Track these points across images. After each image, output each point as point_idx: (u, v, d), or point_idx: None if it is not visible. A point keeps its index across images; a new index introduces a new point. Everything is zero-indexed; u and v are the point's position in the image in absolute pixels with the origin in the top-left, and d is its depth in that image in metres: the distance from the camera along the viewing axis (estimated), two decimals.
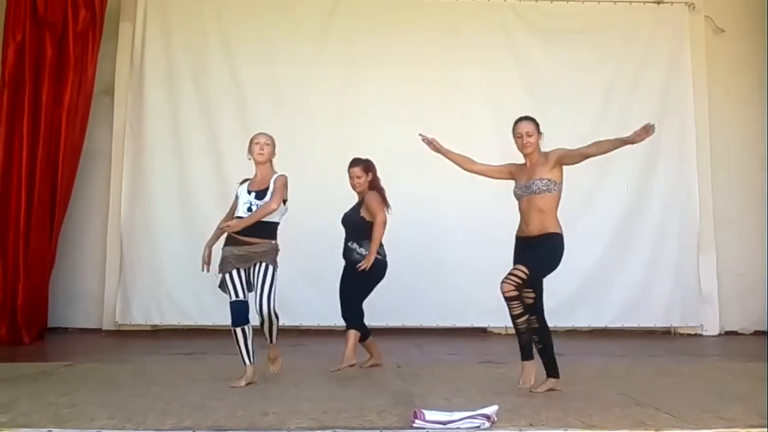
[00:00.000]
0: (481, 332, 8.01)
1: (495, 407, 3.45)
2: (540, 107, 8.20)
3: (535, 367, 4.42)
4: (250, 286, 4.72)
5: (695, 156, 8.39)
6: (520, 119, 4.61)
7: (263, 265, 4.65)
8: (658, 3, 8.59)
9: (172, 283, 8.03)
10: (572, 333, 8.08)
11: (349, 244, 5.32)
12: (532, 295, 4.39)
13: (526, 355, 4.44)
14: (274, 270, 4.68)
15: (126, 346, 7.23)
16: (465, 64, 8.31)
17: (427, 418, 3.32)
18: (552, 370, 4.41)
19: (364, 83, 8.29)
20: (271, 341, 4.86)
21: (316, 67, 8.26)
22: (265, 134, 4.98)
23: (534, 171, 4.49)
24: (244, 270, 4.73)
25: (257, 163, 4.91)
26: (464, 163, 4.83)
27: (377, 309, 7.54)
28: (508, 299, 4.27)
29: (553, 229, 4.43)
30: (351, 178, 5.38)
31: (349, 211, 5.43)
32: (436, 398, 4.05)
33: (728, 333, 8.28)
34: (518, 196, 4.54)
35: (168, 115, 8.28)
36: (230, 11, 8.46)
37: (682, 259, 8.28)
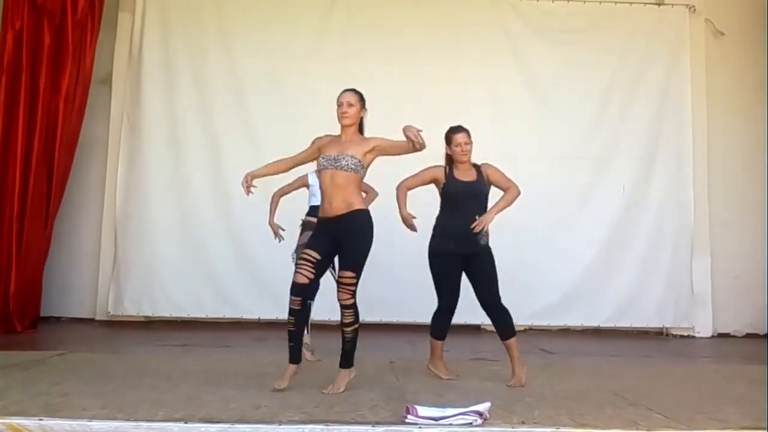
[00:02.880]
0: (475, 329, 7.99)
1: (488, 404, 3.45)
2: (539, 105, 8.31)
3: None
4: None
5: (692, 158, 8.41)
6: (343, 91, 4.39)
7: None
8: (659, 4, 8.59)
9: (165, 274, 8.03)
10: (565, 332, 8.11)
11: (478, 217, 4.60)
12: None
13: (350, 362, 4.32)
14: None
15: (119, 336, 7.21)
16: (465, 61, 8.30)
17: (420, 413, 3.31)
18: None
19: (363, 78, 8.22)
20: None
21: (315, 60, 8.24)
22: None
23: (348, 146, 4.25)
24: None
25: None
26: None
27: (371, 304, 7.57)
28: (346, 307, 4.16)
29: (358, 206, 4.21)
30: (460, 144, 4.78)
31: (469, 182, 4.74)
32: (429, 394, 4.05)
33: (721, 335, 8.30)
34: (322, 168, 4.24)
35: (165, 106, 8.26)
36: (230, 4, 8.44)
37: (676, 261, 8.30)
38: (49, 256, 7.53)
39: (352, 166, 4.18)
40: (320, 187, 4.34)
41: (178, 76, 8.29)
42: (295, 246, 5.59)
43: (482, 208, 4.64)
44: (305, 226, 5.56)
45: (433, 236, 4.77)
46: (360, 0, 8.43)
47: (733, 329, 8.36)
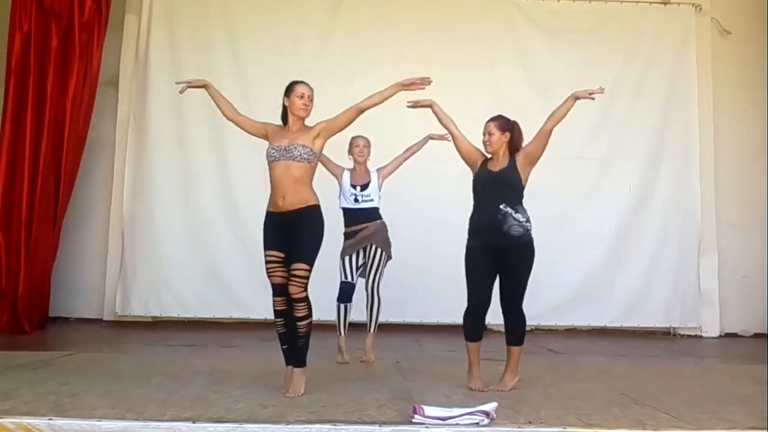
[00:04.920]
0: None
1: (494, 404, 3.46)
2: (543, 105, 8.21)
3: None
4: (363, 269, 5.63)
5: (698, 157, 8.39)
6: (301, 82, 4.36)
7: (375, 248, 5.55)
8: (665, 4, 8.57)
9: (172, 275, 8.06)
10: (572, 332, 8.11)
11: (502, 207, 4.36)
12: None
13: (302, 360, 4.12)
14: (384, 254, 5.58)
15: (126, 337, 7.24)
16: (469, 60, 8.29)
17: (427, 413, 3.32)
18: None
19: (369, 77, 8.23)
20: (369, 328, 5.57)
21: (321, 60, 8.25)
22: (363, 137, 5.70)
23: (296, 136, 4.20)
24: (356, 253, 5.59)
25: (357, 164, 5.70)
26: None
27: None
28: (298, 300, 4.05)
29: (313, 201, 4.17)
30: (483, 134, 4.65)
31: (496, 171, 4.53)
32: (436, 394, 4.06)
33: (728, 335, 8.28)
34: (273, 160, 4.16)
35: (172, 108, 8.25)
36: (236, 4, 8.46)
37: (683, 260, 8.28)
38: (57, 257, 7.57)
39: (306, 156, 4.13)
40: (271, 180, 4.20)
41: (184, 78, 8.24)
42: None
43: (507, 198, 4.36)
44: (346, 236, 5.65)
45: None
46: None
47: (741, 329, 8.34)
